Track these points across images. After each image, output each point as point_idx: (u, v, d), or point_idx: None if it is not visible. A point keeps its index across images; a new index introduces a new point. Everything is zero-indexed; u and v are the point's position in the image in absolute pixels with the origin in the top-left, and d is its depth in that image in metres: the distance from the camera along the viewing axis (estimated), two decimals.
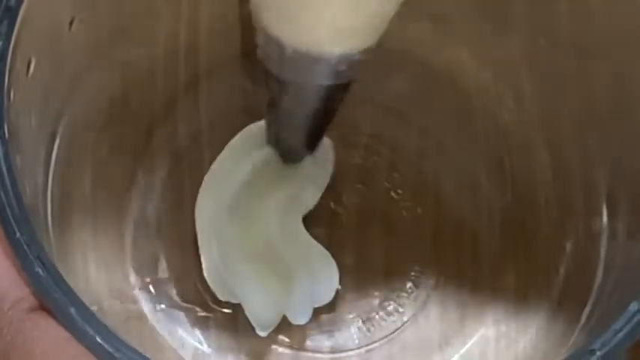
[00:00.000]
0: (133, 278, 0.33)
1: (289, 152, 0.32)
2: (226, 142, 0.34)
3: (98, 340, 0.21)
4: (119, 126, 0.34)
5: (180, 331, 0.32)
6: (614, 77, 0.29)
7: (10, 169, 0.23)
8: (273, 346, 0.33)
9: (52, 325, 0.22)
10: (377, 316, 0.33)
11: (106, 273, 0.32)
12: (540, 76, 0.33)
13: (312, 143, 0.31)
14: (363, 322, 0.33)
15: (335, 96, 0.27)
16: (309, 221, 0.34)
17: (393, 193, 0.35)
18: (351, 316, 0.33)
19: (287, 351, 0.33)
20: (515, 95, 0.34)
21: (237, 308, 0.32)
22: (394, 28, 0.25)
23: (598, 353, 0.22)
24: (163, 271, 0.33)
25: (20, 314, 0.22)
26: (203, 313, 0.33)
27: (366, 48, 0.24)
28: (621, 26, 0.28)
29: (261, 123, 0.34)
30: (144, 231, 0.34)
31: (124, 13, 0.32)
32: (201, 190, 0.34)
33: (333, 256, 0.33)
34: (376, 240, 0.34)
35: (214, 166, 0.34)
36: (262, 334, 0.32)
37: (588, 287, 0.28)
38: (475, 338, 0.33)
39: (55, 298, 0.22)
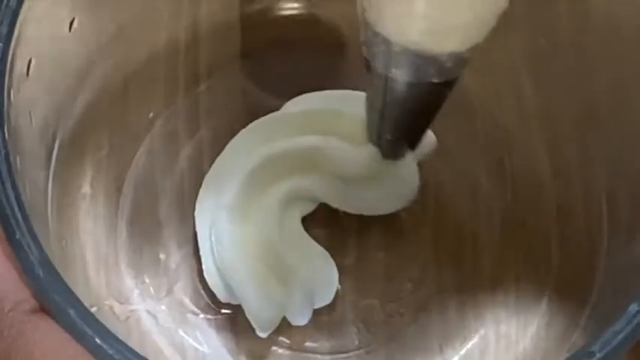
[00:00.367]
0: (132, 279, 0.33)
1: (392, 149, 0.32)
2: (226, 142, 0.34)
3: (97, 341, 0.21)
4: (119, 126, 0.34)
5: (180, 332, 0.32)
6: (614, 77, 0.29)
7: (10, 170, 0.23)
8: (273, 347, 0.33)
9: (53, 326, 0.22)
10: (377, 317, 0.33)
11: (105, 274, 0.32)
12: (540, 76, 0.33)
13: (415, 140, 0.31)
14: (363, 322, 0.33)
15: (440, 93, 0.26)
16: (309, 221, 0.34)
17: None
18: (350, 316, 0.33)
19: (287, 352, 0.32)
20: (515, 95, 0.34)
21: (237, 309, 0.32)
22: None
23: (598, 355, 0.22)
24: (163, 272, 0.33)
25: (21, 316, 0.22)
26: (203, 314, 0.33)
27: (475, 45, 0.24)
28: (621, 26, 0.28)
29: (261, 120, 0.34)
30: (144, 231, 0.34)
31: (124, 13, 0.32)
32: (201, 191, 0.34)
33: (333, 256, 0.33)
34: (376, 240, 0.34)
35: (214, 166, 0.34)
36: (262, 335, 0.32)
37: (588, 288, 0.28)
38: (475, 339, 0.33)
39: (54, 299, 0.22)
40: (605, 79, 0.30)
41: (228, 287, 0.32)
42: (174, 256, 0.34)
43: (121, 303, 0.32)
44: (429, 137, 0.33)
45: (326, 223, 0.34)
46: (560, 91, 0.32)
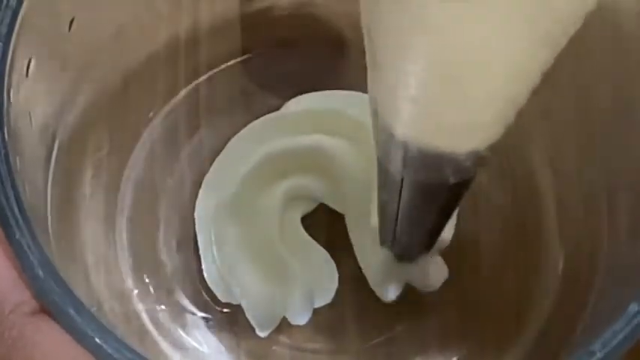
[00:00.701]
0: (132, 279, 0.33)
1: (406, 252, 0.31)
2: (226, 142, 0.34)
3: (98, 341, 0.21)
4: (119, 126, 0.34)
5: (180, 332, 0.32)
6: (615, 78, 0.29)
7: (10, 170, 0.23)
8: (273, 347, 0.33)
9: (53, 328, 0.22)
10: (376, 317, 0.33)
11: (105, 274, 0.32)
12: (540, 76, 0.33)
13: (430, 242, 0.30)
14: (363, 322, 0.33)
15: (457, 192, 0.25)
16: (309, 221, 0.34)
17: None
18: (350, 316, 0.33)
19: (287, 352, 0.32)
20: None
21: (236, 309, 0.32)
22: None
23: (598, 354, 0.22)
24: (163, 272, 0.33)
25: (21, 318, 0.22)
26: (203, 314, 0.33)
27: (494, 142, 0.22)
28: (621, 26, 0.28)
29: (261, 120, 0.34)
30: (143, 231, 0.34)
31: (124, 13, 0.32)
32: (201, 191, 0.34)
33: (333, 256, 0.33)
34: None
35: (214, 165, 0.34)
36: (262, 334, 0.32)
37: (588, 288, 0.28)
38: (475, 339, 0.33)
39: (54, 299, 0.22)
40: (605, 79, 0.30)
41: (228, 287, 0.32)
42: (174, 256, 0.34)
43: (121, 303, 0.32)
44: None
45: (326, 223, 0.34)
46: (560, 91, 0.32)
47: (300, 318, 0.32)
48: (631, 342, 0.22)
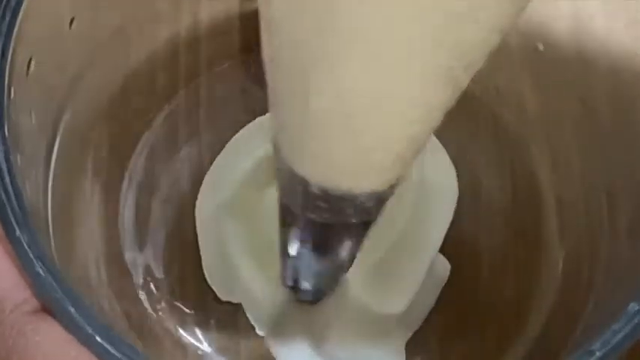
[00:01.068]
0: (133, 278, 0.33)
1: (307, 296, 0.31)
2: (226, 142, 0.34)
3: (98, 339, 0.21)
4: (119, 125, 0.34)
5: (181, 331, 0.32)
6: (614, 77, 0.29)
7: (10, 168, 0.23)
8: None
9: (54, 327, 0.22)
10: None
11: (106, 272, 0.32)
12: (540, 76, 0.33)
13: (334, 282, 0.30)
14: None
15: (359, 233, 0.25)
16: None
17: None
18: None
19: None
20: (515, 95, 0.34)
21: (237, 308, 0.32)
22: None
23: (598, 354, 0.22)
24: (164, 271, 0.33)
25: (22, 317, 0.22)
26: (203, 313, 0.33)
27: (396, 182, 0.22)
28: (621, 25, 0.28)
29: (261, 120, 0.34)
30: (144, 230, 0.34)
31: (124, 13, 0.32)
32: (201, 189, 0.34)
33: None
34: None
35: (214, 165, 0.34)
36: (262, 333, 0.32)
37: (588, 288, 0.28)
38: (475, 339, 0.33)
39: (55, 297, 0.22)
40: (605, 78, 0.30)
41: (228, 285, 0.32)
42: (174, 256, 0.34)
43: (122, 302, 0.32)
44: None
45: None
46: (560, 90, 0.32)
47: None
48: (631, 341, 0.22)
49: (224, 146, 0.34)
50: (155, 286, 0.33)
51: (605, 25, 0.29)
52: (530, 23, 0.33)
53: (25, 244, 0.22)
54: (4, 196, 0.22)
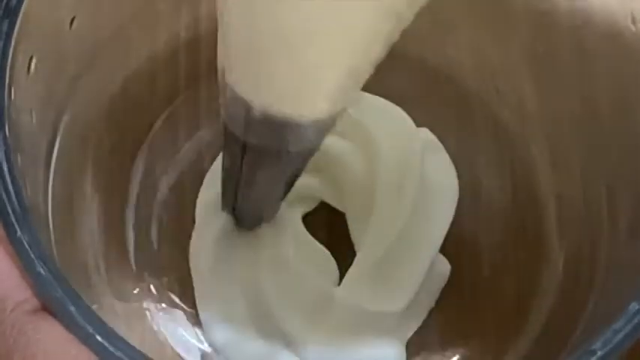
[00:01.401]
0: (133, 277, 0.33)
1: (246, 218, 0.32)
2: None
3: (99, 339, 0.21)
4: (119, 125, 0.34)
5: (181, 331, 0.32)
6: (614, 77, 0.29)
7: (10, 168, 0.23)
8: None
9: (55, 326, 0.22)
10: None
11: (106, 272, 0.32)
12: (540, 76, 0.33)
13: (271, 211, 0.30)
14: None
15: (299, 162, 0.26)
16: (310, 221, 0.34)
17: None
18: None
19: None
20: (515, 94, 0.35)
21: None
22: None
23: (599, 353, 0.22)
24: (164, 271, 0.33)
25: (23, 316, 0.22)
26: None
27: (338, 112, 0.22)
28: (621, 26, 0.28)
29: None
30: (144, 230, 0.34)
31: (124, 13, 0.32)
32: (201, 189, 0.34)
33: (334, 254, 0.33)
34: None
35: (215, 164, 0.34)
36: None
37: (588, 287, 0.28)
38: (475, 338, 0.33)
39: (55, 296, 0.22)
40: (605, 79, 0.30)
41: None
42: (174, 255, 0.34)
43: (122, 301, 0.32)
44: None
45: (327, 222, 0.34)
46: (560, 90, 0.32)
47: None
48: (631, 341, 0.22)
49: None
50: (155, 285, 0.33)
51: (605, 24, 0.29)
52: (530, 23, 0.33)
53: (25, 244, 0.22)
54: (4, 196, 0.22)
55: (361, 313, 0.31)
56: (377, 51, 0.20)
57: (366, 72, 0.21)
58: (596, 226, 0.30)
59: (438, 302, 0.33)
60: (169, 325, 0.32)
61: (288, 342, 0.31)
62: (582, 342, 0.24)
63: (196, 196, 0.34)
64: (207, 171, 0.34)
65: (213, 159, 0.34)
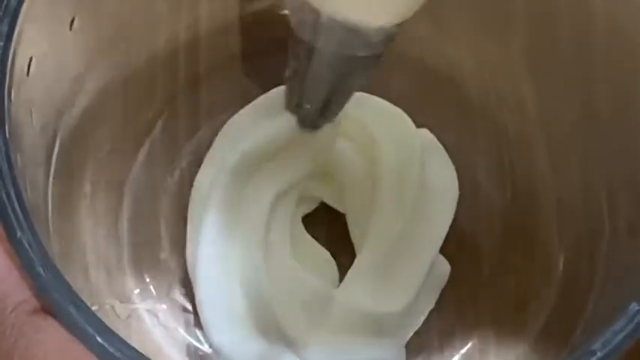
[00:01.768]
0: (133, 278, 0.33)
1: (309, 119, 0.32)
2: None
3: (98, 339, 0.21)
4: (119, 125, 0.34)
5: (181, 331, 0.32)
6: (615, 77, 0.29)
7: (11, 169, 0.23)
8: None
9: (55, 327, 0.22)
10: None
11: (106, 273, 0.32)
12: (540, 76, 0.33)
13: (333, 111, 0.31)
14: None
15: (364, 66, 0.27)
16: (309, 221, 0.34)
17: None
18: None
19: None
20: (515, 95, 0.35)
21: None
22: None
23: (598, 354, 0.22)
24: (163, 271, 0.33)
25: (23, 317, 0.22)
26: None
27: (403, 21, 0.24)
28: (622, 26, 0.28)
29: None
30: (144, 231, 0.34)
31: (125, 13, 0.32)
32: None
33: (333, 255, 0.33)
34: None
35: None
36: None
37: (588, 287, 0.28)
38: (475, 339, 0.33)
39: (55, 297, 0.22)
40: (605, 79, 0.30)
41: None
42: (174, 256, 0.34)
43: (122, 302, 0.32)
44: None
45: (326, 223, 0.34)
46: (560, 91, 0.32)
47: None
48: (631, 341, 0.22)
49: None
50: (155, 286, 0.33)
51: (605, 24, 0.29)
52: (530, 23, 0.33)
53: (25, 244, 0.22)
54: (4, 197, 0.22)
55: (361, 314, 0.31)
56: None
57: None
58: (596, 226, 0.30)
59: (437, 302, 0.33)
60: (169, 326, 0.32)
61: (288, 343, 0.31)
62: (582, 342, 0.24)
63: None
64: None
65: None
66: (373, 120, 0.34)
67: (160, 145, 0.35)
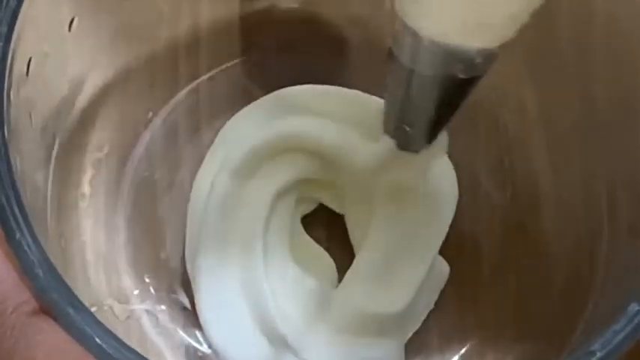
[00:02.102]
0: (132, 279, 0.33)
1: (408, 141, 0.31)
2: None
3: (97, 340, 0.21)
4: (119, 126, 0.34)
5: (180, 332, 0.32)
6: (615, 78, 0.29)
7: (9, 169, 0.23)
8: None
9: (54, 328, 0.22)
10: None
11: (105, 273, 0.32)
12: (540, 76, 0.33)
13: (433, 134, 0.30)
14: None
15: (465, 88, 0.26)
16: (309, 222, 0.34)
17: None
18: None
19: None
20: (515, 95, 0.34)
21: None
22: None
23: (598, 354, 0.22)
24: (163, 272, 0.33)
25: (22, 318, 0.22)
26: None
27: (507, 41, 0.23)
28: (622, 26, 0.28)
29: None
30: (144, 231, 0.34)
31: (124, 13, 0.32)
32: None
33: (333, 256, 0.33)
34: None
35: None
36: None
37: (588, 288, 0.28)
38: (475, 339, 0.33)
39: (54, 298, 0.22)
40: (605, 79, 0.30)
41: None
42: (174, 256, 0.34)
43: (121, 303, 0.32)
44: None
45: (326, 223, 0.34)
46: (560, 91, 0.32)
47: None
48: (631, 342, 0.22)
49: None
50: (155, 286, 0.33)
51: (605, 24, 0.29)
52: (530, 23, 0.33)
53: (24, 246, 0.22)
54: (3, 198, 0.22)
55: (360, 315, 0.31)
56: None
57: (538, 1, 0.22)
58: (596, 226, 0.30)
59: (437, 303, 0.33)
60: (169, 326, 0.32)
61: (287, 343, 0.31)
62: (582, 343, 0.24)
63: None
64: None
65: None
66: (373, 120, 0.34)
67: (160, 146, 0.35)
